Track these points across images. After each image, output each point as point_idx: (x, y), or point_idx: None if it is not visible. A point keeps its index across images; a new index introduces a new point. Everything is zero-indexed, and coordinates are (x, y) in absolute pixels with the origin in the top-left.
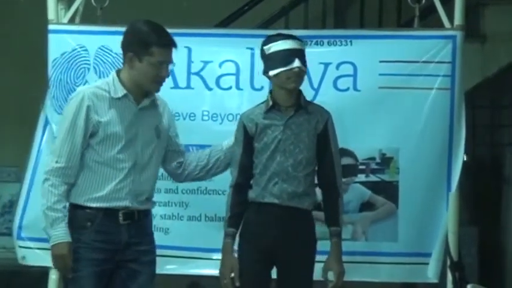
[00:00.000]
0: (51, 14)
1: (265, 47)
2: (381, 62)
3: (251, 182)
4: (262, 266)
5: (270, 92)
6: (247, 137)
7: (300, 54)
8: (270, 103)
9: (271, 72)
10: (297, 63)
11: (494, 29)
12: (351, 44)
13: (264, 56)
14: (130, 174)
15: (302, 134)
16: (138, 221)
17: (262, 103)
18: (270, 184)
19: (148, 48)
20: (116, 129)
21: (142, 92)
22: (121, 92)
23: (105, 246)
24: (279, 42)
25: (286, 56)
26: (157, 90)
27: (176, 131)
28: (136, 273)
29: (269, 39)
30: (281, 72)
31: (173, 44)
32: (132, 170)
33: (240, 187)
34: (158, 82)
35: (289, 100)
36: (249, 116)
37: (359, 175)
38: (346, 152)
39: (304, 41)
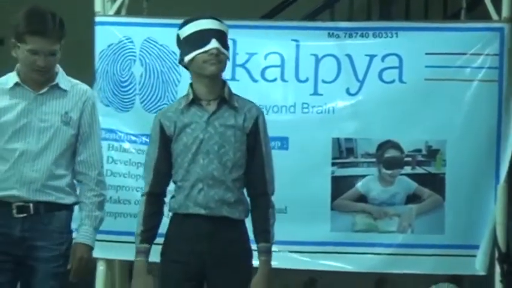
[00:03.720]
0: (97, 6)
1: (179, 32)
2: (427, 54)
3: (168, 189)
4: None
5: (190, 84)
6: (164, 138)
7: (218, 35)
8: (190, 97)
9: (187, 58)
10: (214, 43)
11: None
12: (397, 36)
13: (178, 42)
14: (19, 162)
15: (227, 133)
16: (36, 215)
17: (182, 97)
18: (194, 191)
19: (22, 35)
20: (5, 119)
21: (41, 79)
22: (12, 81)
23: None
24: (194, 23)
25: (201, 37)
26: (40, 79)
27: (93, 137)
28: (33, 270)
29: (184, 23)
30: (196, 55)
31: (44, 33)
32: (22, 157)
33: (155, 196)
34: (37, 71)
35: (211, 92)
36: (166, 114)
37: (405, 167)
38: (392, 144)
39: (225, 26)
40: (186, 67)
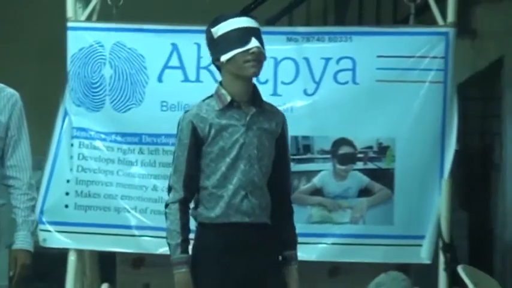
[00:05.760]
0: (69, 12)
1: (212, 30)
2: (378, 56)
3: (193, 196)
4: None
5: (220, 84)
6: (197, 140)
7: (257, 33)
8: (228, 98)
9: (224, 57)
10: (254, 42)
11: (484, 25)
12: (351, 40)
13: (211, 41)
14: None
15: (263, 137)
16: None
17: (208, 98)
18: (236, 199)
19: None
20: None
21: None
22: None
23: None
24: (230, 21)
25: (241, 36)
26: None
27: (22, 141)
28: None
29: (216, 20)
30: (237, 54)
31: None
32: None
33: (186, 203)
34: None
35: (246, 94)
36: (198, 115)
37: (357, 163)
38: (345, 141)
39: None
40: (218, 67)
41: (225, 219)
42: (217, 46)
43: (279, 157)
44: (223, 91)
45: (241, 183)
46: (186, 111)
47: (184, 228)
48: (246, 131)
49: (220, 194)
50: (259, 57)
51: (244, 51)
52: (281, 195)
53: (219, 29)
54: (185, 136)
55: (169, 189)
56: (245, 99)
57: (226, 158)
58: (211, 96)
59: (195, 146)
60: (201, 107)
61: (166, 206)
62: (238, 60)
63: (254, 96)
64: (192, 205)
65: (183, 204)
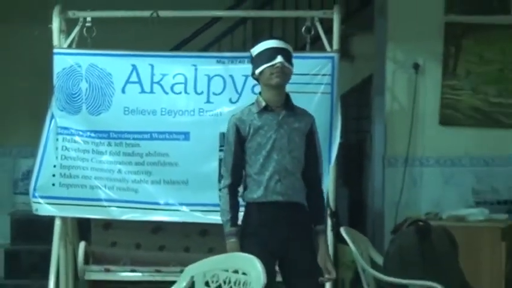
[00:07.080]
0: (55, 41)
1: (252, 50)
2: None
3: (241, 182)
4: (272, 267)
5: (260, 94)
6: (240, 138)
7: (283, 52)
8: (263, 104)
9: (257, 71)
10: (279, 59)
11: (360, 51)
12: None
13: (251, 59)
14: None
15: (293, 134)
16: None
17: (250, 105)
18: (272, 182)
19: None
20: None
21: None
22: None
23: None
24: (263, 43)
25: (269, 54)
26: None
27: None
28: None
29: (256, 44)
30: (265, 68)
31: None
32: None
33: (234, 187)
34: None
35: (279, 100)
36: (241, 118)
37: None
38: None
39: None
40: (257, 80)
41: (263, 199)
42: (254, 63)
43: (308, 150)
44: (260, 99)
45: (275, 170)
46: (232, 116)
47: (232, 208)
48: (277, 129)
49: (260, 179)
50: (283, 70)
51: (270, 66)
52: (312, 181)
53: (256, 50)
54: (231, 135)
55: (221, 177)
56: (278, 105)
57: (262, 151)
58: (253, 103)
59: (239, 142)
60: (244, 112)
61: (220, 190)
62: (266, 73)
63: (286, 103)
64: (241, 189)
65: (231, 188)
